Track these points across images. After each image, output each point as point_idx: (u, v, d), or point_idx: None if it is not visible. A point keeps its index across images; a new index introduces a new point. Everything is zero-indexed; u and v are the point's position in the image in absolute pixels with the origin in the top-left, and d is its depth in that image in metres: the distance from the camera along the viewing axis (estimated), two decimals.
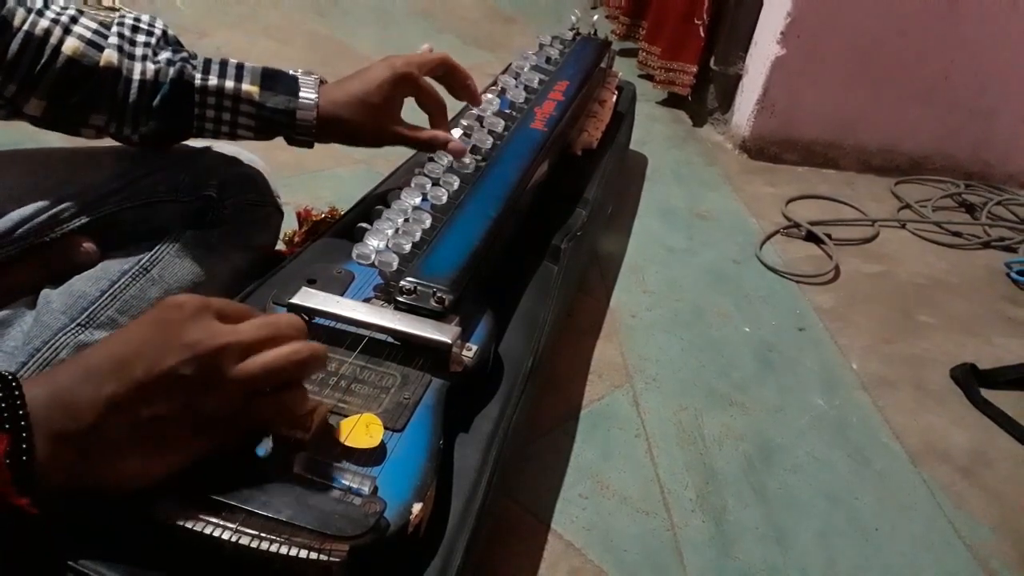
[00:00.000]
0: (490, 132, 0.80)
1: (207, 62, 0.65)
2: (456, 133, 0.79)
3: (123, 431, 0.37)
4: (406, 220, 0.66)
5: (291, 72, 0.69)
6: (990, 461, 0.84)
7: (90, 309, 0.59)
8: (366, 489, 0.42)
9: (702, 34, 1.55)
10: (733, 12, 1.52)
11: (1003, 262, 1.26)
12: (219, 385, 0.39)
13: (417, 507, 0.43)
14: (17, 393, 0.35)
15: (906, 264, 1.23)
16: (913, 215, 1.39)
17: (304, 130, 0.68)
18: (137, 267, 0.64)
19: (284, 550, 0.39)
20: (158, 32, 0.65)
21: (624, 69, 1.44)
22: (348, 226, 0.74)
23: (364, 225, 0.65)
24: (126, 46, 0.62)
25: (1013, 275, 1.22)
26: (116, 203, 0.66)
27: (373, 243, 0.62)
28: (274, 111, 0.66)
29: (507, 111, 0.87)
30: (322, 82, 0.70)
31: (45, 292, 0.60)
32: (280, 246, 0.84)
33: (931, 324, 1.08)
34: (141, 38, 0.63)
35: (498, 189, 0.73)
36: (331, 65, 1.51)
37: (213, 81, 0.64)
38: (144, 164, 0.70)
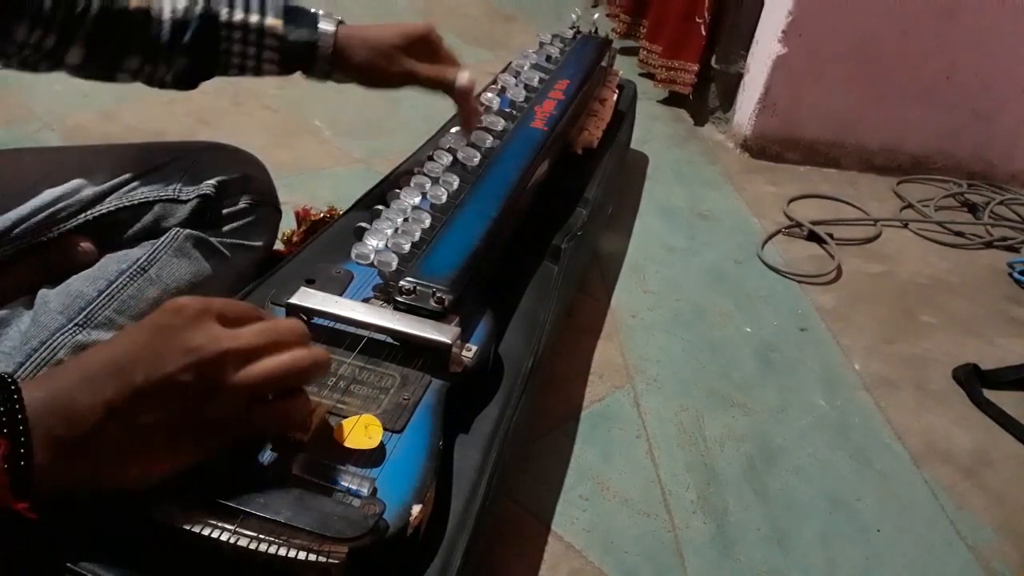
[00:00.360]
0: (490, 131, 0.80)
1: None
2: (454, 131, 0.78)
3: (122, 436, 0.37)
4: (405, 220, 0.65)
5: (310, 8, 0.70)
6: (992, 462, 0.84)
7: (88, 309, 0.59)
8: (365, 490, 0.42)
9: (703, 32, 1.55)
10: (734, 10, 1.52)
11: (1006, 262, 1.26)
12: (219, 392, 0.39)
13: (416, 508, 0.42)
14: (16, 397, 0.35)
15: (908, 264, 1.23)
16: (915, 215, 1.39)
17: (324, 62, 0.69)
18: (135, 267, 0.63)
19: (283, 552, 0.39)
20: None
21: (625, 68, 1.44)
22: (347, 226, 0.74)
23: (363, 224, 0.65)
24: None
25: (1015, 275, 1.22)
26: (114, 202, 0.66)
27: (372, 243, 0.62)
28: (296, 43, 0.67)
29: (507, 110, 0.86)
30: (341, 22, 0.71)
31: (43, 292, 0.60)
32: (278, 246, 0.84)
33: (933, 324, 1.08)
34: None
35: (498, 188, 0.73)
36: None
37: (239, 16, 0.65)
38: (143, 164, 0.69)
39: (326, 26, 0.68)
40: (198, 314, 0.39)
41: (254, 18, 0.65)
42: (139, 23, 0.62)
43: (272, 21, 0.66)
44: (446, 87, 0.73)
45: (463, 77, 0.73)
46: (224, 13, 0.64)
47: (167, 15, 0.63)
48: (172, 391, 0.37)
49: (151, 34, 0.62)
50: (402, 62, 0.71)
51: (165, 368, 0.37)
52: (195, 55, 0.65)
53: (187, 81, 0.68)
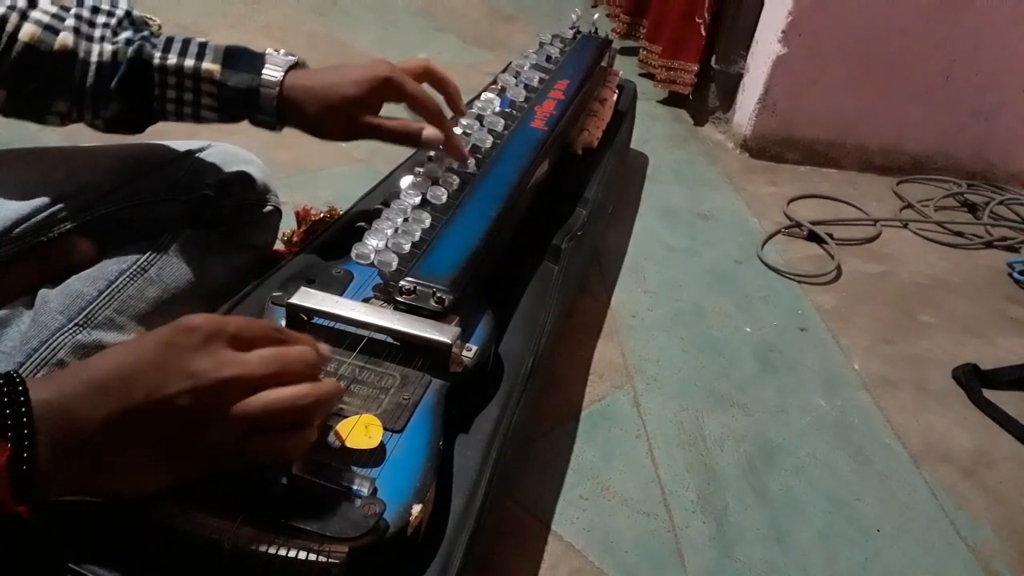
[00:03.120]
0: (490, 131, 0.80)
1: (168, 41, 0.62)
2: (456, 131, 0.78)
3: (120, 449, 0.37)
4: (405, 220, 0.65)
5: (263, 51, 0.65)
6: (992, 462, 0.84)
7: (88, 309, 0.59)
8: (365, 490, 0.42)
9: (703, 32, 1.55)
10: (734, 11, 1.52)
11: (1005, 262, 1.26)
12: (215, 420, 0.38)
13: (417, 508, 0.43)
14: (23, 399, 0.35)
15: (908, 264, 1.23)
16: (915, 215, 1.39)
17: (266, 110, 0.64)
18: (135, 267, 0.63)
19: (283, 551, 0.39)
20: (120, 12, 0.62)
21: (625, 68, 1.44)
22: (347, 225, 0.74)
23: (363, 224, 0.65)
24: (84, 27, 0.60)
25: (1015, 275, 1.22)
26: (114, 202, 0.66)
27: (372, 243, 0.62)
28: (236, 90, 0.62)
29: (507, 110, 0.86)
30: (298, 65, 0.66)
31: (43, 292, 0.60)
32: (279, 246, 0.84)
33: (933, 324, 1.08)
34: (101, 19, 0.61)
35: (498, 189, 0.73)
36: (330, 64, 1.50)
37: (172, 60, 0.61)
38: (143, 164, 0.69)
39: (272, 72, 0.63)
40: (209, 336, 0.38)
41: (189, 62, 0.61)
42: (64, 65, 0.59)
43: (209, 66, 0.61)
44: (411, 143, 0.68)
45: (428, 134, 0.67)
46: (157, 57, 0.61)
47: (94, 59, 0.60)
48: (168, 413, 0.37)
49: (76, 77, 0.60)
50: (360, 117, 0.65)
51: (164, 390, 0.37)
52: (125, 100, 0.62)
53: (127, 125, 0.64)
